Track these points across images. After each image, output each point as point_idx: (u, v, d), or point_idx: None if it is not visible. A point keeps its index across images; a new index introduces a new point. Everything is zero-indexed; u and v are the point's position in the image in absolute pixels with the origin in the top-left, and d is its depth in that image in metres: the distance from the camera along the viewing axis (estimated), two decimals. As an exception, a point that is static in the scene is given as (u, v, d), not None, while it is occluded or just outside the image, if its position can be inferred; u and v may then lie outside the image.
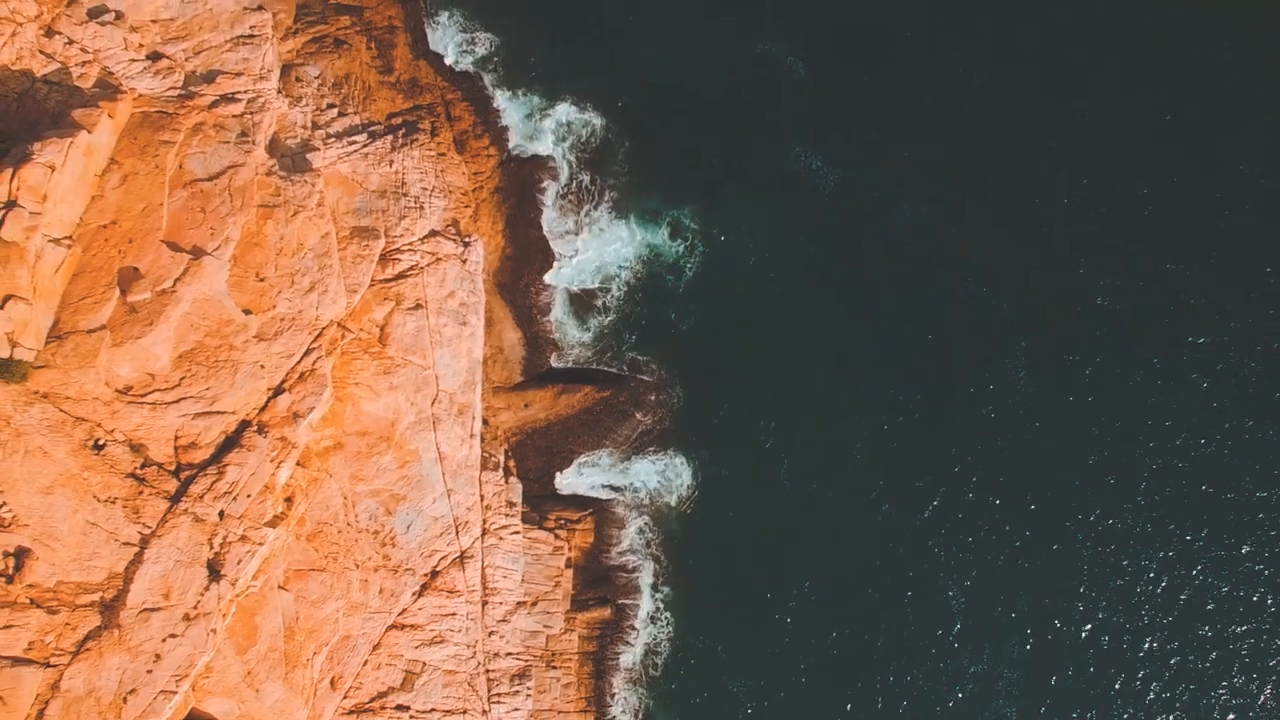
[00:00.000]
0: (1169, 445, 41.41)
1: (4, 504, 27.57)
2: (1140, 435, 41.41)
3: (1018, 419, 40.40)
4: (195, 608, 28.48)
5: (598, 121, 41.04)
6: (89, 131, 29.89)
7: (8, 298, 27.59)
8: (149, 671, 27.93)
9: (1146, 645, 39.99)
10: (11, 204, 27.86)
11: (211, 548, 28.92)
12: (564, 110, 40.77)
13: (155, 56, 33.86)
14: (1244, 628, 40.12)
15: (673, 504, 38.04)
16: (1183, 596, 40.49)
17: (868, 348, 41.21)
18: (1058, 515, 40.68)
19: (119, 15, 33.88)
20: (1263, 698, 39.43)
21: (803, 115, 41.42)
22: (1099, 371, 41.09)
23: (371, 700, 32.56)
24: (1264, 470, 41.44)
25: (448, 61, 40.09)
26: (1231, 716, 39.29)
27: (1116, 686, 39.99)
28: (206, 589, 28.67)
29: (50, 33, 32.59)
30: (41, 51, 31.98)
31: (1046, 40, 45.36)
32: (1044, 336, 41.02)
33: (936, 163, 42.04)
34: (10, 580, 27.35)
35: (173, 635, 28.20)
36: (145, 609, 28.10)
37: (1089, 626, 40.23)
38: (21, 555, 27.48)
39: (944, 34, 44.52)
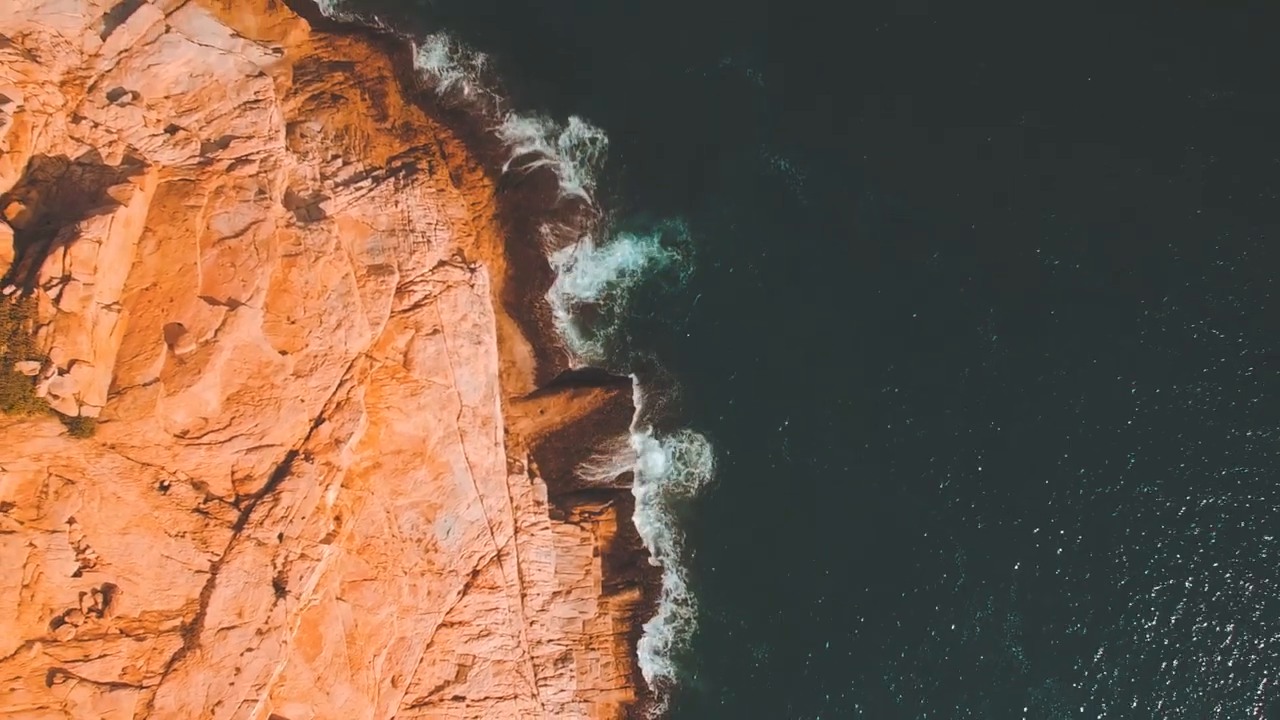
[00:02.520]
0: (1146, 395, 44.42)
1: (88, 547, 30.71)
2: (1113, 383, 44.51)
3: (993, 379, 43.48)
4: (266, 623, 31.61)
5: (582, 142, 43.99)
6: (125, 205, 33.02)
7: (72, 362, 30.72)
8: (231, 684, 31.06)
9: (1140, 580, 42.97)
10: (67, 278, 30.99)
11: (275, 568, 32.06)
12: (549, 134, 43.73)
13: (172, 129, 37.00)
14: (1245, 574, 43.01)
15: (686, 488, 41.11)
16: (1172, 533, 43.54)
17: (852, 326, 44.05)
18: (1045, 467, 43.55)
19: (135, 95, 37.02)
20: (1262, 644, 42.39)
21: (766, 121, 44.35)
22: (1064, 327, 44.24)
23: (430, 694, 35.70)
24: (1246, 411, 44.48)
25: (440, 89, 43.16)
26: (1235, 654, 42.28)
27: (1116, 624, 42.99)
28: (274, 605, 31.80)
29: (77, 119, 35.74)
30: (71, 137, 35.10)
31: (987, 29, 48.57)
32: (1009, 300, 44.14)
33: (892, 150, 44.92)
34: (101, 614, 30.47)
35: (249, 649, 31.33)
36: (222, 628, 31.22)
37: (1086, 572, 42.97)
38: (108, 591, 30.61)
39: (886, 37, 47.57)
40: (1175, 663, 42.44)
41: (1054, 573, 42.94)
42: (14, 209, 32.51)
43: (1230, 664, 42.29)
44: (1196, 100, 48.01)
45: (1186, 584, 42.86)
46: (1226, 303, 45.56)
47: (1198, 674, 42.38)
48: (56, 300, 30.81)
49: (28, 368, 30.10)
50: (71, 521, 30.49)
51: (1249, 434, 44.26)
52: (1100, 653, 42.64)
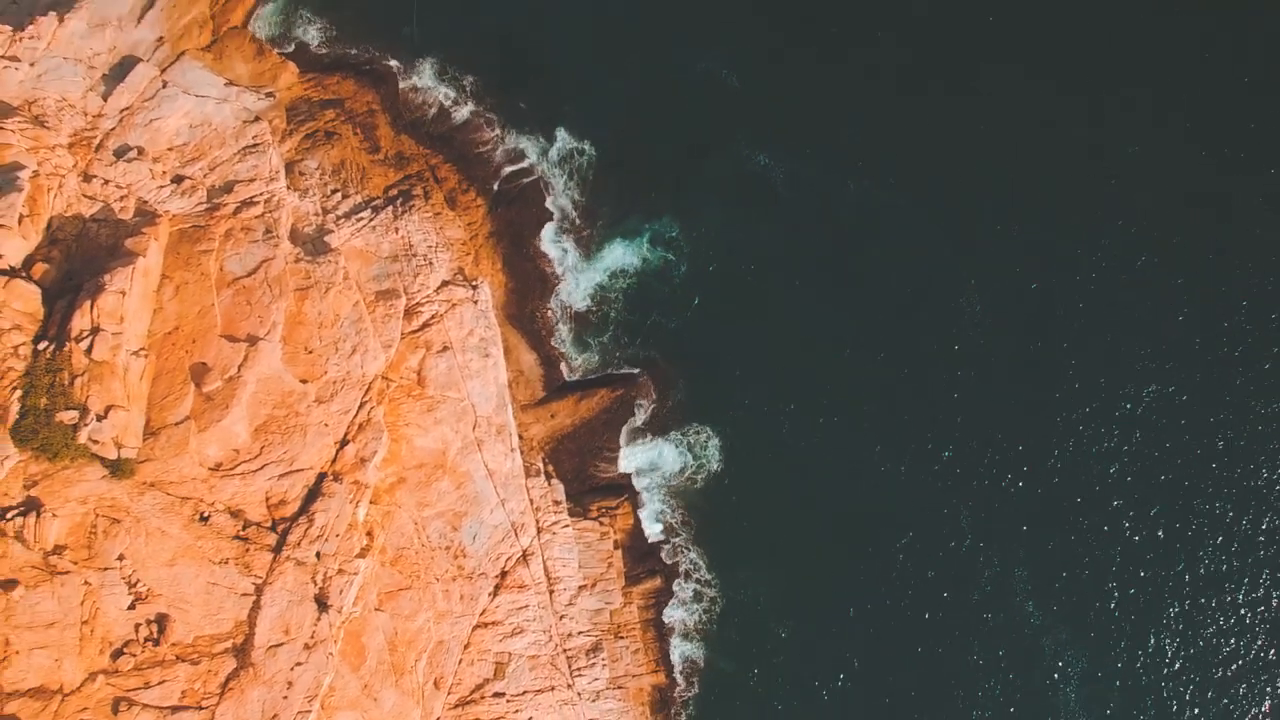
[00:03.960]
0: (1133, 347, 46.11)
1: (139, 581, 32.54)
2: (1100, 339, 46.25)
3: (981, 347, 45.28)
4: (312, 637, 33.44)
5: (572, 153, 45.75)
6: (143, 256, 34.83)
7: (109, 408, 32.55)
8: (284, 698, 32.88)
9: (1145, 525, 44.60)
10: (96, 329, 32.81)
11: (315, 585, 33.89)
12: (538, 150, 45.50)
13: (179, 179, 38.84)
14: (1249, 514, 44.64)
15: (696, 478, 42.91)
16: (1163, 477, 45.33)
17: (843, 309, 45.70)
18: (1038, 426, 45.25)
19: (141, 150, 38.85)
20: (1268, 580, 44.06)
21: (744, 120, 46.08)
22: (1043, 291, 46.05)
23: (471, 693, 37.55)
24: (1237, 357, 46.20)
25: (428, 117, 44.82)
26: (1243, 592, 43.93)
27: (1124, 571, 44.59)
28: (318, 620, 33.63)
29: (88, 178, 37.57)
30: (85, 195, 36.92)
31: (955, 15, 50.36)
32: (988, 270, 45.93)
33: (867, 138, 46.75)
34: (157, 643, 32.29)
35: (298, 664, 33.16)
36: (271, 646, 33.05)
37: (1090, 523, 44.53)
38: (162, 620, 32.43)
39: (852, 30, 49.30)
40: (1185, 605, 44.07)
41: (1058, 526, 44.61)
42: (39, 269, 34.32)
43: (1240, 601, 43.98)
44: (1167, 75, 49.69)
45: (1190, 528, 44.56)
46: (1201, 257, 47.42)
47: (1208, 613, 44.12)
48: (88, 351, 32.61)
49: (68, 417, 31.92)
50: (121, 558, 32.29)
51: (1239, 380, 45.96)
52: (1111, 600, 44.34)
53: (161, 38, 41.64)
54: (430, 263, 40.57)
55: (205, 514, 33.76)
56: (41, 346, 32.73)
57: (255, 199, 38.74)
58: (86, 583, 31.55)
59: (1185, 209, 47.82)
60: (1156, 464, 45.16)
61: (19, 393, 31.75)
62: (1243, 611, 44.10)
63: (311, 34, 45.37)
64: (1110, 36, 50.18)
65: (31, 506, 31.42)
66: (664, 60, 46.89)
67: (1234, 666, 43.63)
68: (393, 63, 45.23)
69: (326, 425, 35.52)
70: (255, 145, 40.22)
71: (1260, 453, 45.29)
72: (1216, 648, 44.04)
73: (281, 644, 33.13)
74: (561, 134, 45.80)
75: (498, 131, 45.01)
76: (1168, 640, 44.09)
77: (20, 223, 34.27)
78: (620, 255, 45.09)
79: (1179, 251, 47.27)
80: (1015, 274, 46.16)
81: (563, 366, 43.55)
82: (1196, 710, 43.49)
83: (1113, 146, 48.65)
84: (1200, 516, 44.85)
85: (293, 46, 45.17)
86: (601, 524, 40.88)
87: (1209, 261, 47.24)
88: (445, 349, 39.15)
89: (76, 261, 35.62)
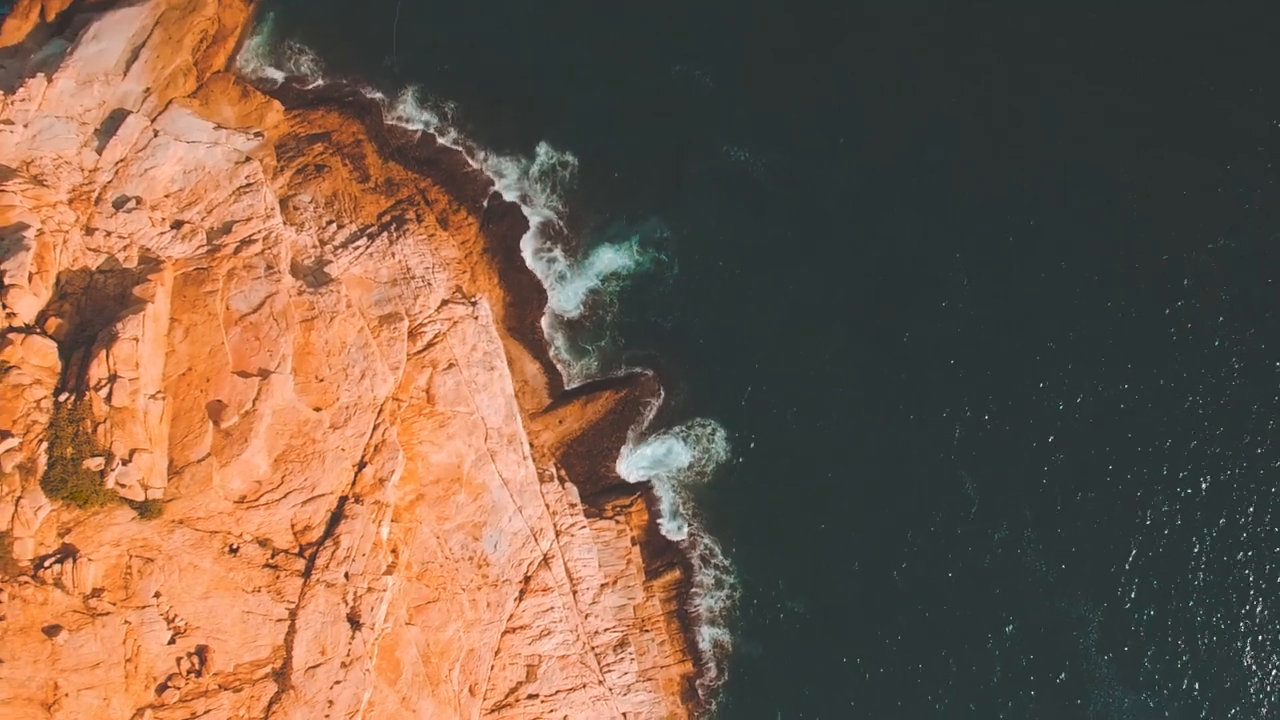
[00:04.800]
0: (1121, 307, 47.10)
1: (176, 615, 33.62)
2: (1087, 301, 47.32)
3: (971, 318, 46.33)
4: (348, 655, 34.53)
5: (553, 166, 46.67)
6: (151, 302, 35.92)
7: (133, 452, 33.65)
8: (326, 716, 33.95)
9: (1152, 479, 45.45)
10: (114, 377, 33.89)
11: (346, 604, 34.97)
12: (521, 164, 46.54)
13: (178, 224, 39.93)
14: (1238, 469, 45.66)
15: (705, 470, 43.96)
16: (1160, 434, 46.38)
17: (834, 293, 46.51)
18: (1035, 390, 46.20)
19: (138, 200, 39.95)
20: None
21: (722, 118, 46.96)
22: (1026, 256, 47.16)
23: (506, 697, 38.65)
24: (1227, 312, 47.27)
25: (414, 142, 45.92)
26: (1259, 543, 44.95)
27: (1132, 524, 45.54)
28: (352, 638, 34.71)
29: (90, 231, 38.67)
30: (89, 248, 38.01)
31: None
32: (973, 242, 47.04)
33: (842, 125, 47.77)
34: (199, 674, 33.37)
35: (337, 682, 34.24)
36: (310, 667, 34.13)
37: (1094, 481, 45.40)
38: (202, 652, 33.51)
39: (818, 23, 50.36)
40: (1208, 557, 45.03)
41: (1063, 487, 45.59)
42: (52, 323, 35.41)
43: (1254, 550, 45.02)
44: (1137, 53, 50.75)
45: (1195, 477, 45.51)
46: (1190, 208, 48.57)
47: (1222, 559, 45.14)
48: (108, 398, 33.69)
49: (94, 464, 33.01)
50: (157, 595, 33.38)
51: (1235, 335, 46.98)
52: (1124, 554, 45.37)
53: (148, 88, 42.73)
54: (429, 283, 41.66)
55: (234, 546, 34.84)
56: (62, 398, 33.80)
57: (254, 237, 39.82)
58: (126, 622, 32.63)
59: (1167, 159, 48.92)
60: (1156, 417, 46.18)
61: (45, 445, 32.84)
62: (1252, 552, 45.18)
63: (298, 66, 46.29)
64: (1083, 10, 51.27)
65: (67, 553, 32.52)
66: (637, 67, 47.90)
67: (1252, 606, 44.73)
68: (377, 94, 46.17)
69: (343, 450, 36.60)
70: (249, 185, 41.30)
71: (1260, 404, 46.35)
72: (1235, 589, 45.10)
73: (319, 664, 34.21)
74: (543, 148, 46.77)
75: (481, 154, 46.03)
76: (1187, 585, 45.09)
77: (30, 280, 35.35)
78: (611, 259, 46.12)
79: (1167, 203, 48.31)
80: (998, 241, 47.25)
81: (566, 373, 44.64)
82: (1219, 651, 44.58)
83: (1083, 111, 49.76)
84: (1203, 464, 45.85)
85: (281, 78, 46.12)
86: (618, 522, 41.99)
87: (1200, 214, 48.24)
88: (451, 366, 40.25)
89: (87, 313, 36.69)
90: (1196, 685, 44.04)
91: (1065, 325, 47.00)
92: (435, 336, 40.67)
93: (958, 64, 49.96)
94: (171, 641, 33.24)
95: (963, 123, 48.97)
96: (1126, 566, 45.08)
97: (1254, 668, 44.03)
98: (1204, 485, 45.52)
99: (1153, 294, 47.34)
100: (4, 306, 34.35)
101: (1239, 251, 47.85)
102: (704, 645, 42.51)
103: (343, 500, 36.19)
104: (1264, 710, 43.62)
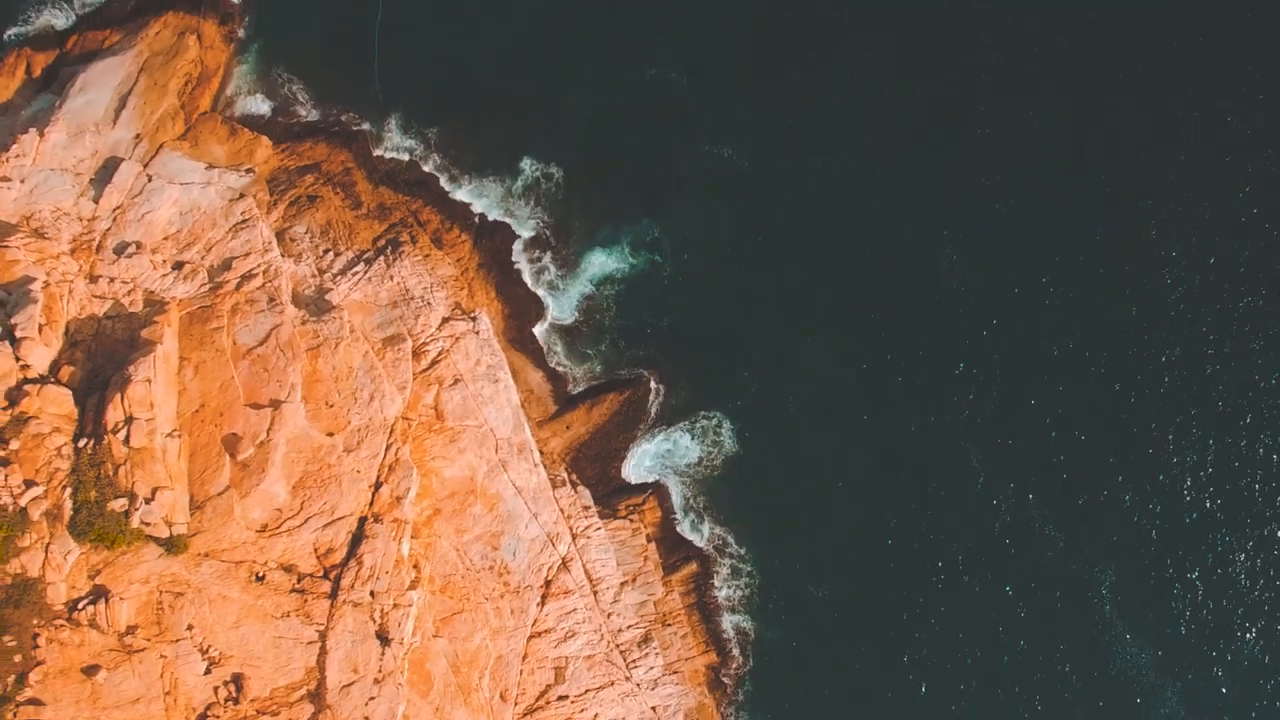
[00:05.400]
0: (1106, 271, 47.97)
1: (210, 646, 34.42)
2: (1070, 266, 48.18)
3: (962, 293, 47.20)
4: (380, 671, 35.34)
5: (539, 179, 47.46)
6: (160, 343, 36.74)
7: (154, 490, 34.47)
8: (364, 732, 34.79)
9: (1154, 427, 46.34)
10: (130, 419, 34.72)
11: (374, 622, 35.79)
12: (505, 182, 47.29)
13: (179, 265, 40.78)
14: (1241, 422, 46.34)
15: (714, 459, 44.69)
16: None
17: (826, 279, 47.45)
18: (1027, 358, 47.07)
19: (138, 244, 40.79)
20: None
21: (701, 117, 47.78)
22: (1011, 229, 47.98)
23: (537, 700, 39.46)
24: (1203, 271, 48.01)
25: (397, 156, 46.73)
26: (1257, 488, 45.65)
27: (1136, 477, 46.31)
28: (383, 654, 35.52)
29: (94, 278, 39.50)
30: (94, 296, 38.83)
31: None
32: (958, 219, 47.84)
33: (819, 115, 48.62)
34: (237, 701, 34.18)
35: (372, 698, 35.04)
36: (344, 686, 34.93)
37: (1093, 438, 46.37)
38: (238, 679, 34.31)
39: (788, 21, 51.14)
40: (1215, 509, 45.80)
41: (1066, 452, 46.45)
42: (65, 372, 36.24)
43: (1256, 490, 45.79)
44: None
45: (1199, 433, 46.32)
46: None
47: (1229, 511, 45.90)
48: (126, 440, 34.51)
49: (118, 505, 33.83)
50: (190, 628, 34.17)
51: (1232, 298, 47.75)
52: (1131, 514, 46.17)
53: (139, 135, 43.58)
54: (428, 303, 42.49)
55: (260, 574, 35.66)
56: (82, 444, 34.62)
57: (254, 272, 40.65)
58: (162, 656, 33.43)
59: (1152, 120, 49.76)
60: (1150, 375, 46.99)
61: (69, 490, 33.65)
62: (1260, 500, 45.95)
63: (283, 100, 46.96)
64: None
65: (99, 594, 33.32)
66: (614, 75, 48.69)
67: (1262, 556, 45.50)
68: (363, 125, 46.86)
69: (358, 472, 37.41)
70: (245, 221, 42.14)
71: (1259, 356, 47.11)
72: (1242, 538, 45.86)
73: (353, 682, 35.01)
74: (527, 162, 47.37)
75: (464, 178, 46.71)
76: (1196, 539, 45.88)
77: (40, 332, 36.16)
78: (604, 263, 46.91)
79: (1157, 167, 49.12)
80: (984, 216, 48.03)
81: (569, 380, 45.45)
82: (1231, 601, 45.34)
83: (1055, 82, 50.59)
84: (1206, 421, 46.65)
85: (268, 113, 46.85)
86: (632, 521, 42.80)
87: (1194, 179, 49.00)
88: (457, 381, 41.08)
89: (98, 359, 37.51)
90: (1211, 636, 44.82)
91: (1057, 294, 47.81)
92: (439, 354, 41.50)
93: (926, 52, 50.70)
94: (207, 672, 34.04)
95: (938, 105, 49.78)
96: (1134, 526, 45.88)
97: (1267, 611, 44.84)
98: (1210, 444, 46.32)
99: (1149, 258, 48.07)
100: (18, 359, 35.16)
101: (1227, 220, 48.59)
102: (726, 634, 43.36)
103: (362, 521, 37.00)
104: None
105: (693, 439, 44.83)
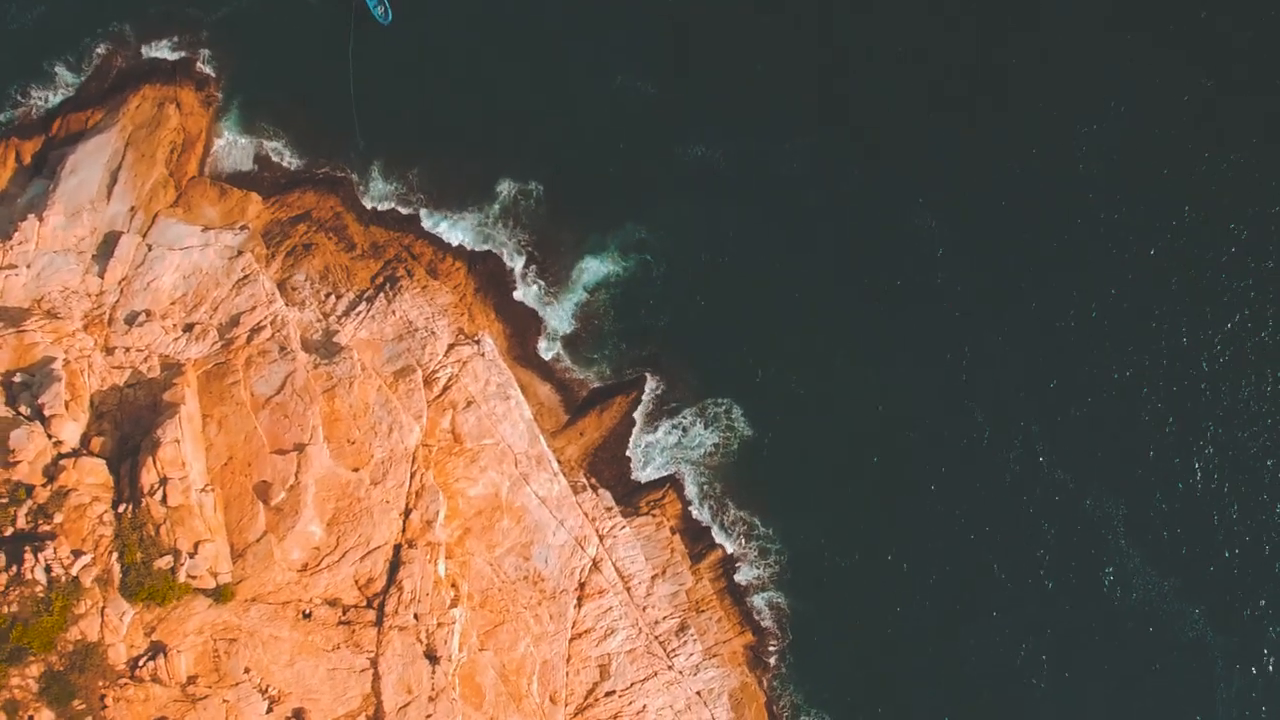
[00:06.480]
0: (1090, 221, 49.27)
1: (268, 686, 35.89)
2: (1051, 222, 49.52)
3: (943, 258, 48.54)
4: (433, 689, 36.79)
5: (515, 199, 48.36)
6: (182, 404, 38.21)
7: (196, 544, 35.95)
8: (425, 749, 36.23)
9: (1148, 366, 47.74)
10: (164, 480, 36.20)
11: (421, 642, 37.24)
12: (484, 209, 48.49)
13: (189, 327, 42.25)
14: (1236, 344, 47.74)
15: (728, 446, 45.98)
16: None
17: (812, 258, 48.72)
18: (1019, 314, 48.41)
19: (148, 312, 42.26)
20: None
21: (670, 120, 49.00)
22: (985, 192, 49.32)
23: (586, 698, 40.90)
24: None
25: (379, 208, 48.16)
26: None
27: (1137, 417, 47.57)
28: (433, 672, 36.97)
29: (110, 350, 40.97)
30: (113, 367, 40.30)
31: None
32: (934, 187, 49.17)
33: (783, 104, 49.89)
34: (300, 735, 35.69)
35: (428, 716, 36.48)
36: (400, 707, 36.39)
37: (1092, 384, 47.72)
38: (299, 714, 35.77)
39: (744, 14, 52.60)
40: (1220, 431, 47.13)
41: (1065, 397, 47.77)
42: (96, 443, 37.73)
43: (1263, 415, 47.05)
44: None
45: (1195, 361, 47.64)
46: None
47: (1230, 434, 47.24)
48: (163, 500, 35.98)
49: (164, 562, 35.30)
50: (247, 670, 35.64)
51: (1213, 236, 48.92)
52: (1134, 447, 47.49)
53: (133, 207, 45.05)
54: (432, 332, 43.95)
55: (307, 611, 37.12)
56: (121, 509, 36.09)
57: (261, 324, 42.11)
58: (225, 700, 34.88)
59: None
60: (1144, 314, 48.43)
61: (116, 555, 35.13)
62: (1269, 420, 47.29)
63: (267, 154, 48.31)
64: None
65: (157, 649, 34.79)
66: (580, 90, 49.96)
67: (1265, 471, 46.85)
68: (350, 176, 48.05)
69: (387, 502, 38.88)
70: (246, 276, 43.61)
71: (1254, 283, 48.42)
72: (1246, 457, 47.18)
73: (409, 703, 36.46)
74: (505, 184, 48.41)
75: (444, 212, 48.00)
76: (1199, 465, 47.16)
77: (67, 407, 37.64)
78: (596, 269, 48.20)
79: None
80: (956, 180, 49.37)
81: (576, 388, 46.84)
82: (1241, 520, 46.65)
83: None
84: (1197, 350, 47.98)
85: (254, 169, 48.17)
86: (654, 516, 44.25)
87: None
88: (469, 403, 42.53)
89: (125, 427, 38.99)
90: (1225, 557, 46.17)
91: (1040, 245, 49.13)
92: (449, 380, 42.96)
93: (878, 27, 52.07)
94: (270, 710, 35.48)
95: (899, 78, 51.01)
96: (1138, 459, 47.21)
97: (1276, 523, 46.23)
98: (1205, 367, 47.58)
99: (1134, 198, 49.27)
100: (50, 436, 36.65)
101: (1219, 162, 49.84)
102: (760, 613, 44.78)
103: (397, 548, 38.46)
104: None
105: (705, 426, 46.19)
